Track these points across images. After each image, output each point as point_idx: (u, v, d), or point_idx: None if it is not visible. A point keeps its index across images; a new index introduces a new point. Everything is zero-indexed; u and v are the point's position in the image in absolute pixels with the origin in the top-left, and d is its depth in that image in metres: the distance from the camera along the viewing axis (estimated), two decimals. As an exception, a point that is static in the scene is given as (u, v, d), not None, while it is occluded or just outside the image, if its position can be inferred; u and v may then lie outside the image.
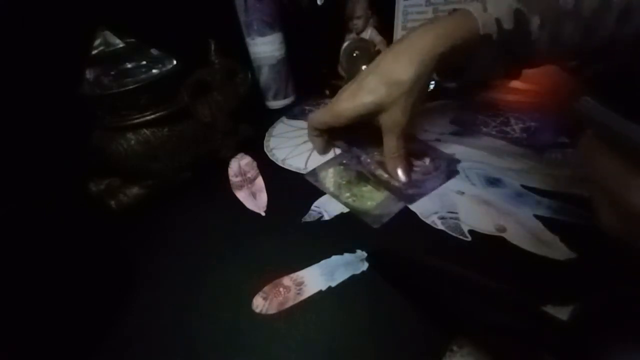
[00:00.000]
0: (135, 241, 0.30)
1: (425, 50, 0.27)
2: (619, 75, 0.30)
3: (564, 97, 0.39)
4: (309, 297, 0.23)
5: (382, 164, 0.32)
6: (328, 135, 0.35)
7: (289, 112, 0.49)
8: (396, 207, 0.29)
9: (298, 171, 0.36)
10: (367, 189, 0.31)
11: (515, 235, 0.25)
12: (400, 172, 0.30)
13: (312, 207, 0.30)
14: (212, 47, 0.37)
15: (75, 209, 0.35)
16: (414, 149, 0.33)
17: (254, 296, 0.23)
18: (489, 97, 0.44)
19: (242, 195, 0.33)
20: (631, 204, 0.14)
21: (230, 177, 0.37)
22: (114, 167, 0.33)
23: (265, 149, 0.41)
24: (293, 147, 0.40)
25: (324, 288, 0.23)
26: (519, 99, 0.43)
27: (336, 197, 0.31)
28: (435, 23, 0.28)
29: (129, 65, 0.31)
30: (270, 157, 0.39)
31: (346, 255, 0.25)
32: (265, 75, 0.48)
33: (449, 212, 0.28)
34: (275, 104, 0.50)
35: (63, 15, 0.38)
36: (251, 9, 0.43)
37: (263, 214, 0.31)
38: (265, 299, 0.23)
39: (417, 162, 0.32)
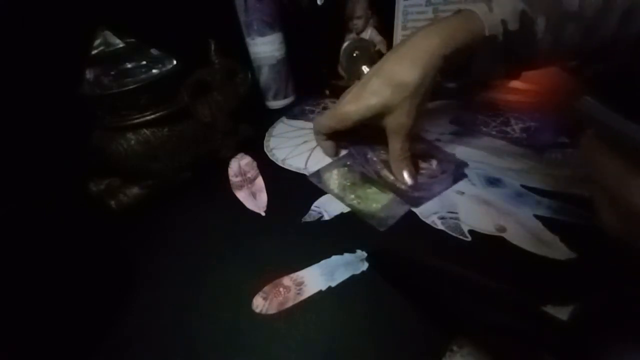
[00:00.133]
0: (135, 241, 0.30)
1: (429, 52, 0.27)
2: (619, 75, 0.30)
3: (564, 97, 0.39)
4: (309, 297, 0.23)
5: (388, 164, 0.31)
6: (336, 138, 0.35)
7: (289, 112, 0.49)
8: (402, 209, 0.29)
9: (298, 171, 0.36)
10: (372, 191, 0.31)
11: (515, 235, 0.25)
12: (406, 175, 0.30)
13: (312, 207, 0.30)
14: (212, 47, 0.37)
15: (75, 209, 0.35)
16: (420, 150, 0.32)
17: (254, 296, 0.23)
18: (489, 97, 0.44)
19: (242, 195, 0.33)
20: (632, 204, 0.14)
21: (230, 177, 0.37)
22: (114, 167, 0.33)
23: (265, 149, 0.41)
24: (293, 147, 0.40)
25: (324, 288, 0.23)
26: (519, 99, 0.43)
27: (340, 198, 0.31)
28: (439, 24, 0.28)
29: (129, 65, 0.31)
30: (270, 157, 0.39)
31: (346, 255, 0.25)
32: (265, 75, 0.48)
33: (449, 212, 0.28)
34: (275, 104, 0.50)
35: (63, 15, 0.38)
36: (251, 9, 0.43)
37: (263, 214, 0.31)
38: (265, 299, 0.23)
39: (423, 165, 0.32)
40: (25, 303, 0.26)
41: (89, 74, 0.30)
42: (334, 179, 0.33)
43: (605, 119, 0.15)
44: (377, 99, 0.28)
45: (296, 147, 0.40)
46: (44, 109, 0.38)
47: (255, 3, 0.43)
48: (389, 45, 0.48)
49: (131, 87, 0.30)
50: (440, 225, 0.27)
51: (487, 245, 0.25)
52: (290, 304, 0.22)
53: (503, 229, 0.25)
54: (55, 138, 0.38)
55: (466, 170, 0.32)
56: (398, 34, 0.47)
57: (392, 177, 0.31)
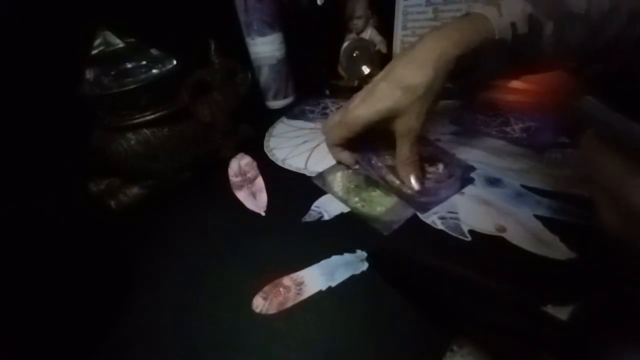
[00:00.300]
0: (135, 241, 0.30)
1: (440, 55, 0.26)
2: (619, 76, 0.30)
3: (564, 97, 0.39)
4: (309, 297, 0.23)
5: (393, 169, 0.31)
6: (351, 147, 0.34)
7: (289, 112, 0.49)
8: (406, 213, 0.28)
9: (298, 171, 0.36)
10: (376, 194, 0.31)
11: (515, 235, 0.25)
12: (413, 180, 0.29)
13: (312, 207, 0.30)
14: (212, 47, 0.37)
15: (75, 209, 0.35)
16: (426, 153, 0.32)
17: (254, 296, 0.23)
18: (489, 97, 0.44)
19: (242, 195, 0.33)
20: (632, 204, 0.14)
21: (230, 177, 0.37)
22: (114, 167, 0.33)
23: (265, 149, 0.41)
24: (293, 147, 0.40)
25: (324, 288, 0.23)
26: (519, 99, 0.43)
27: (344, 201, 0.30)
28: (449, 27, 0.27)
29: (129, 65, 0.31)
30: (270, 157, 0.39)
31: (346, 255, 0.25)
32: (265, 75, 0.48)
33: (449, 212, 0.28)
34: (275, 104, 0.50)
35: (63, 15, 0.38)
36: (251, 9, 0.43)
37: (263, 214, 0.31)
38: (265, 299, 0.23)
39: (430, 169, 0.31)
40: (26, 303, 0.26)
41: (89, 74, 0.30)
42: (337, 182, 0.33)
43: (607, 119, 0.15)
44: (387, 102, 0.28)
45: (296, 147, 0.40)
46: (44, 109, 0.38)
47: (255, 3, 0.43)
48: (389, 45, 0.48)
49: (131, 87, 0.30)
50: (440, 225, 0.27)
51: (487, 245, 0.25)
52: (290, 304, 0.22)
53: (503, 229, 0.25)
54: (55, 138, 0.38)
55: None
56: (398, 34, 0.47)
57: (397, 182, 0.30)
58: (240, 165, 0.38)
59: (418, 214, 0.28)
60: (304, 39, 0.50)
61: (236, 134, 0.40)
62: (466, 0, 0.41)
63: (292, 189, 0.33)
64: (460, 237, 0.25)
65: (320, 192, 0.32)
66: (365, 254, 0.25)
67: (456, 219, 0.27)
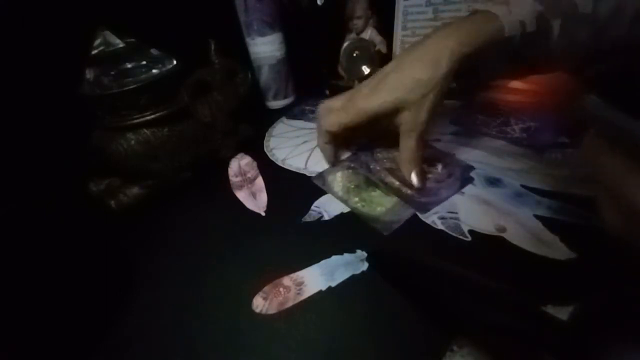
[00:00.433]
0: (135, 241, 0.30)
1: (450, 50, 0.26)
2: (621, 75, 0.30)
3: (564, 97, 0.39)
4: (309, 297, 0.23)
5: (392, 171, 0.31)
6: (337, 143, 0.34)
7: (289, 112, 0.49)
8: (406, 213, 0.28)
9: (298, 171, 0.36)
10: (376, 194, 0.31)
11: (515, 235, 0.25)
12: (414, 177, 0.29)
13: (312, 207, 0.30)
14: (212, 47, 0.37)
15: (75, 209, 0.35)
16: (425, 154, 0.31)
17: (254, 296, 0.23)
18: (489, 97, 0.44)
19: (242, 195, 0.33)
20: (634, 203, 0.14)
21: (230, 177, 0.37)
22: (114, 167, 0.33)
23: (265, 149, 0.41)
24: (293, 147, 0.40)
25: (324, 288, 0.23)
26: (519, 99, 0.43)
27: (344, 201, 0.30)
28: (459, 23, 0.27)
29: (129, 65, 0.31)
30: (270, 157, 0.39)
31: (346, 255, 0.25)
32: (265, 75, 0.48)
33: (449, 212, 0.28)
34: (275, 104, 0.50)
35: (63, 15, 0.38)
36: (251, 9, 0.43)
37: (263, 214, 0.31)
38: (265, 299, 0.23)
39: (429, 169, 0.31)
40: (26, 303, 0.26)
41: (89, 74, 0.31)
42: (337, 182, 0.33)
43: (610, 118, 0.15)
44: (396, 93, 0.28)
45: (296, 147, 0.40)
46: (44, 109, 0.38)
47: (255, 3, 0.43)
48: (389, 45, 0.48)
49: (131, 87, 0.30)
50: (440, 225, 0.27)
51: (487, 245, 0.25)
52: (290, 304, 0.22)
53: (503, 229, 0.25)
54: (55, 138, 0.38)
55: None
56: (398, 34, 0.47)
57: (397, 183, 0.30)
58: (240, 165, 0.38)
59: (418, 214, 0.28)
60: (304, 39, 0.50)
61: (236, 134, 0.40)
62: (466, 0, 0.41)
63: (292, 189, 0.33)
64: (460, 237, 0.25)
65: (320, 192, 0.32)
66: (365, 254, 0.25)
67: (456, 219, 0.27)
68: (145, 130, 0.32)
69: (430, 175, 0.30)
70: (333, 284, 0.23)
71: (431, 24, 0.44)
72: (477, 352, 0.18)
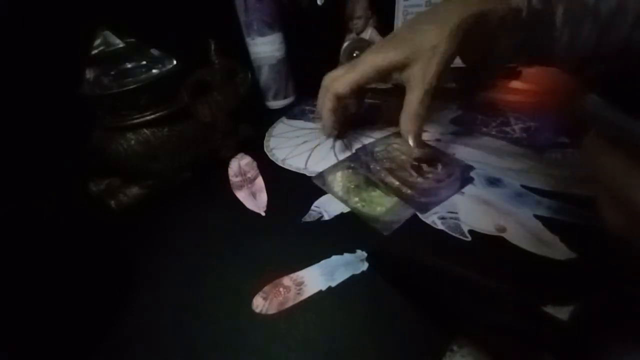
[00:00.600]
0: (135, 241, 0.30)
1: (457, 12, 0.27)
2: (621, 75, 0.30)
3: (564, 97, 0.39)
4: (309, 297, 0.23)
5: (392, 171, 0.31)
6: (340, 113, 0.34)
7: (289, 112, 0.49)
8: (406, 213, 0.28)
9: (298, 171, 0.36)
10: (376, 194, 0.30)
11: (515, 235, 0.25)
12: (411, 138, 0.29)
13: (312, 207, 0.30)
14: (212, 47, 0.37)
15: (75, 209, 0.35)
16: (425, 154, 0.32)
17: (254, 296, 0.23)
18: (489, 97, 0.44)
19: (242, 195, 0.33)
20: (635, 203, 0.14)
21: (230, 177, 0.37)
22: (114, 167, 0.33)
23: (265, 149, 0.41)
24: (293, 147, 0.40)
25: (324, 288, 0.23)
26: (519, 99, 0.43)
27: (345, 201, 0.30)
28: None
29: (129, 65, 0.31)
30: (270, 157, 0.39)
31: (346, 255, 0.25)
32: (265, 75, 0.48)
33: (449, 212, 0.28)
34: (275, 104, 0.50)
35: (63, 15, 0.38)
36: (251, 9, 0.43)
37: (263, 214, 0.31)
38: (265, 299, 0.23)
39: (428, 169, 0.31)
40: (25, 303, 0.26)
41: (89, 74, 0.30)
42: (337, 182, 0.33)
43: (610, 117, 0.15)
44: (404, 48, 0.28)
45: (296, 147, 0.40)
46: (44, 109, 0.38)
47: (255, 3, 0.43)
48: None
49: (131, 87, 0.30)
50: (440, 225, 0.27)
51: (487, 245, 0.25)
52: (290, 304, 0.22)
53: (503, 229, 0.25)
54: (55, 138, 0.38)
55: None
56: (398, 34, 0.47)
57: (397, 183, 0.30)
58: (240, 165, 0.38)
59: (418, 214, 0.28)
60: (304, 39, 0.50)
61: (236, 134, 0.40)
62: (466, 0, 0.41)
63: (292, 189, 0.33)
64: (460, 237, 0.25)
65: (320, 192, 0.32)
66: (365, 254, 0.25)
67: (456, 219, 0.27)
68: (145, 130, 0.32)
69: (429, 175, 0.31)
70: (333, 284, 0.23)
71: (431, 24, 0.44)
72: (477, 352, 0.18)
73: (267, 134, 0.44)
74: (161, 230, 0.31)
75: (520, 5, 0.27)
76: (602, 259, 0.21)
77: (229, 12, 0.45)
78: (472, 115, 0.41)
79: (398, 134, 0.34)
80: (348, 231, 0.27)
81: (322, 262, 0.25)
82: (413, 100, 0.29)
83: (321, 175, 0.34)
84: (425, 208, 0.28)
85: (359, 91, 0.32)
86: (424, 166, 0.31)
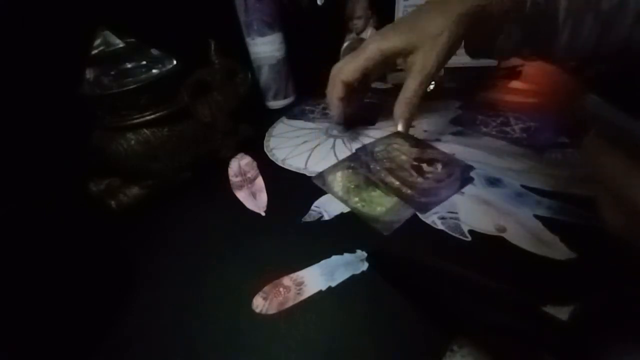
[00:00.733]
0: (135, 241, 0.30)
1: (460, 5, 0.27)
2: (621, 75, 0.30)
3: (564, 97, 0.39)
4: (309, 297, 0.23)
5: (392, 171, 0.31)
6: (347, 100, 0.35)
7: (289, 112, 0.49)
8: (406, 213, 0.28)
9: (298, 171, 0.36)
10: (376, 194, 0.30)
11: (515, 235, 0.25)
12: (401, 123, 0.30)
13: (312, 207, 0.30)
14: (212, 47, 0.37)
15: (75, 209, 0.35)
16: (424, 154, 0.32)
17: (254, 296, 0.23)
18: (489, 97, 0.44)
19: (242, 195, 0.33)
20: (635, 203, 0.14)
21: (230, 177, 0.37)
22: (114, 167, 0.33)
23: (265, 149, 0.41)
24: (293, 147, 0.40)
25: (324, 288, 0.23)
26: (519, 99, 0.43)
27: (345, 201, 0.30)
28: None
29: (129, 65, 0.31)
30: (270, 157, 0.39)
31: (346, 255, 0.25)
32: (265, 75, 0.48)
33: (449, 212, 0.28)
34: (275, 104, 0.50)
35: (63, 15, 0.38)
36: (251, 9, 0.43)
37: (263, 214, 0.31)
38: (265, 299, 0.23)
39: (428, 169, 0.31)
40: (25, 303, 0.26)
41: (89, 74, 0.30)
42: (337, 182, 0.33)
43: (611, 117, 0.15)
44: (407, 34, 0.29)
45: (296, 147, 0.40)
46: (44, 109, 0.38)
47: (255, 3, 0.43)
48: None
49: (131, 87, 0.30)
50: (440, 225, 0.27)
51: (487, 245, 0.25)
52: (290, 304, 0.22)
53: (503, 229, 0.25)
54: (55, 138, 0.38)
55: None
56: (398, 34, 0.47)
57: (397, 183, 0.30)
58: (240, 165, 0.38)
59: (418, 214, 0.28)
60: (304, 39, 0.50)
61: (236, 134, 0.40)
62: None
63: (292, 189, 0.33)
64: (460, 237, 0.25)
65: (320, 192, 0.32)
66: (365, 254, 0.25)
67: (456, 219, 0.27)
68: (145, 130, 0.32)
69: (429, 175, 0.31)
70: (333, 284, 0.23)
71: (431, 24, 0.44)
72: (477, 352, 0.18)
73: (267, 134, 0.44)
74: (161, 230, 0.31)
75: None
76: (602, 259, 0.21)
77: (229, 12, 0.45)
78: (472, 115, 0.41)
79: (398, 134, 0.34)
80: (348, 231, 0.27)
81: (322, 262, 0.25)
82: (410, 87, 0.30)
83: (321, 175, 0.34)
84: (425, 208, 0.28)
85: (365, 77, 0.33)
86: (424, 166, 0.31)
